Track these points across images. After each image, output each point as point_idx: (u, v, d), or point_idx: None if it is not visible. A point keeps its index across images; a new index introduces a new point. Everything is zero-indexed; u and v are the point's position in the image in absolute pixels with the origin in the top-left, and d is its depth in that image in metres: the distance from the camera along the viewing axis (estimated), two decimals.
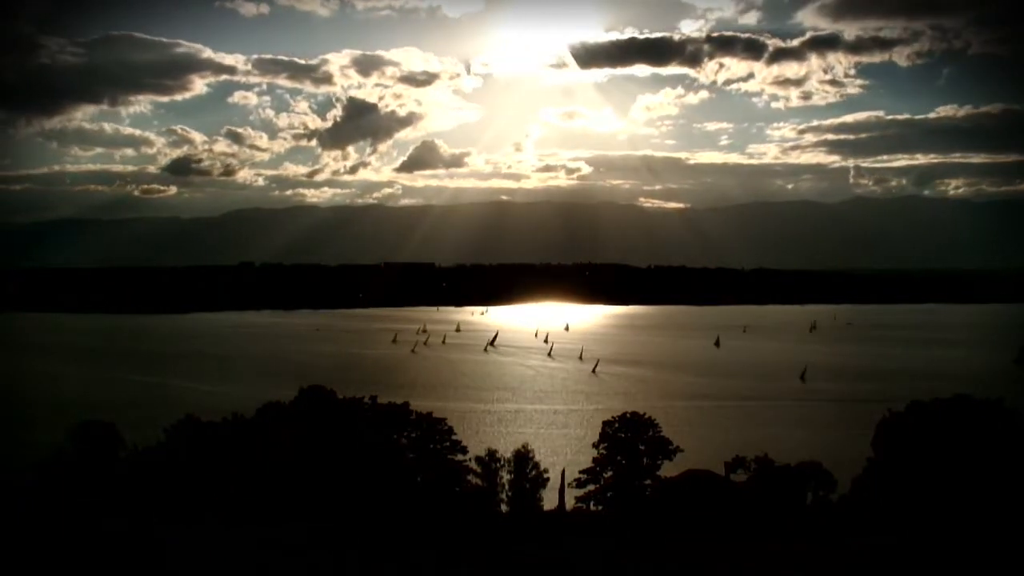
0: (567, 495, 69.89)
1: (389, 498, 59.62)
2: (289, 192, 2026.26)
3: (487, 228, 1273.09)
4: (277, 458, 60.69)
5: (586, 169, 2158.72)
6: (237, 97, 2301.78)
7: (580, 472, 69.27)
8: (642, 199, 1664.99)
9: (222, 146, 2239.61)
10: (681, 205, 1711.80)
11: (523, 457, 68.19)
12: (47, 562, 44.84)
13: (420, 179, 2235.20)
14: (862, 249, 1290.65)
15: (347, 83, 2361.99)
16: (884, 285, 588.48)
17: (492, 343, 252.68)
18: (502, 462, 67.97)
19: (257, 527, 53.06)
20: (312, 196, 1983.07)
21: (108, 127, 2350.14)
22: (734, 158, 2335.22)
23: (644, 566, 46.68)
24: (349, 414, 67.00)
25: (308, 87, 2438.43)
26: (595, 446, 70.13)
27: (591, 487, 67.74)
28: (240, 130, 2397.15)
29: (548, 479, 69.02)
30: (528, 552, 50.85)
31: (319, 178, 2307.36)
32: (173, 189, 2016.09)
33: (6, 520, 53.83)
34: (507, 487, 67.21)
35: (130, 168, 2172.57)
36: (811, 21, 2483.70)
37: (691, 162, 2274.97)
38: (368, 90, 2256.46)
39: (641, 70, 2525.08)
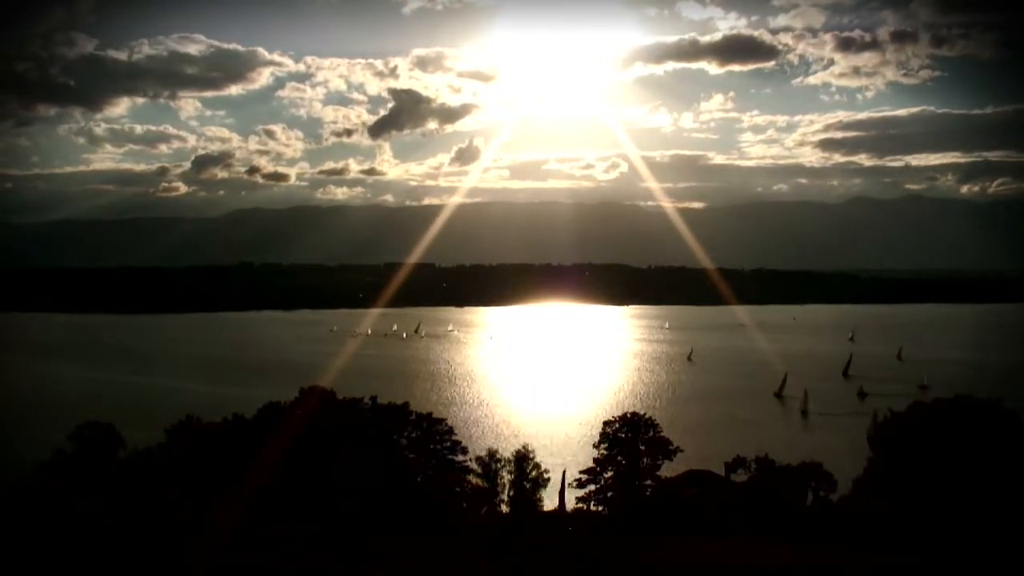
0: (567, 495, 69.85)
1: (389, 498, 59.60)
2: (319, 192, 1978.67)
3: (490, 229, 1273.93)
4: (277, 458, 60.69)
5: (623, 167, 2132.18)
6: (289, 90, 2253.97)
7: (580, 472, 69.27)
8: (660, 200, 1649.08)
9: (254, 144, 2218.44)
10: (699, 204, 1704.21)
11: (523, 457, 68.17)
12: (47, 562, 44.84)
13: (443, 179, 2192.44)
14: (861, 249, 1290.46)
15: (409, 76, 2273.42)
16: (883, 285, 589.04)
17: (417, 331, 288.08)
18: (502, 462, 67.95)
19: (257, 527, 53.02)
20: (342, 194, 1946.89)
21: (140, 127, 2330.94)
22: (773, 150, 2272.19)
23: (644, 566, 46.68)
24: (349, 414, 66.98)
25: (368, 82, 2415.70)
26: (595, 446, 70.15)
27: (591, 487, 67.73)
28: (276, 127, 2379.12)
29: (548, 479, 69.00)
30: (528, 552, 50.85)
31: (348, 176, 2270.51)
32: (187, 188, 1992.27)
33: (6, 520, 53.83)
34: (507, 487, 67.18)
35: (141, 167, 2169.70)
36: (926, 15, 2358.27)
37: (718, 162, 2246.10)
38: (426, 85, 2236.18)
39: (712, 67, 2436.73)
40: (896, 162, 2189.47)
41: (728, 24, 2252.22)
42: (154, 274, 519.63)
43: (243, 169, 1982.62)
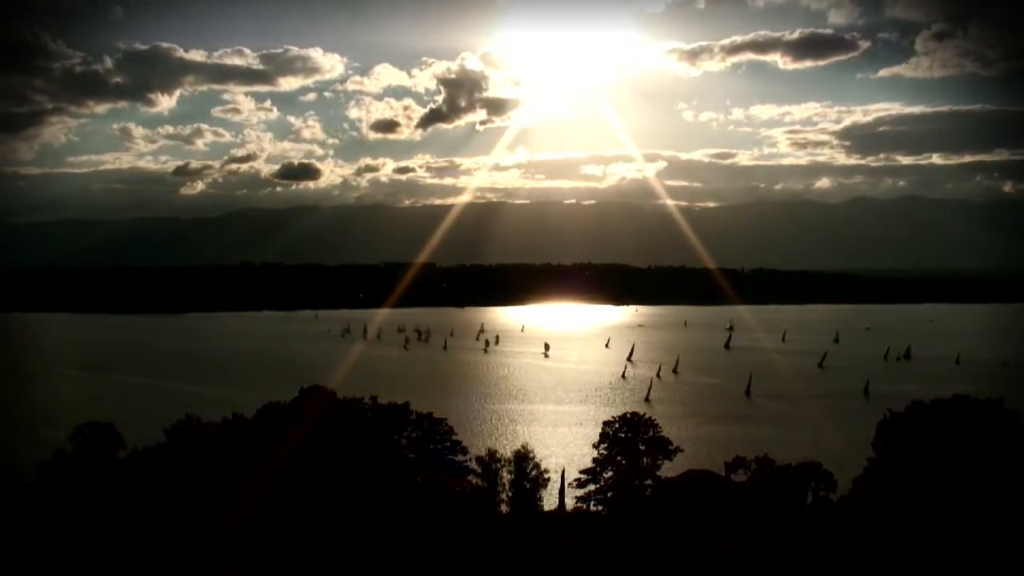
0: (567, 495, 69.89)
1: (389, 498, 59.57)
2: (346, 191, 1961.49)
3: (489, 230, 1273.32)
4: (277, 458, 60.64)
5: (658, 166, 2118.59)
6: (351, 84, 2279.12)
7: (580, 472, 69.28)
8: (674, 199, 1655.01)
9: (288, 143, 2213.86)
10: (713, 204, 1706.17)
11: (523, 457, 68.19)
12: (47, 562, 44.85)
13: (463, 178, 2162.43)
14: (862, 249, 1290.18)
15: (470, 69, 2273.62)
16: (883, 286, 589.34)
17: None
18: (502, 462, 67.96)
19: (257, 527, 53.01)
20: (369, 193, 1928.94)
21: (181, 124, 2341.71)
22: (810, 148, 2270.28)
23: (644, 566, 46.69)
24: (349, 414, 66.97)
25: (422, 76, 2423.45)
26: (595, 446, 70.17)
27: (591, 487, 67.74)
28: (315, 124, 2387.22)
29: (548, 479, 69.02)
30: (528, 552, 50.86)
31: (380, 174, 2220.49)
32: (204, 187, 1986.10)
33: (6, 520, 53.83)
34: (507, 487, 67.19)
35: (155, 166, 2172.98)
36: None
37: (750, 161, 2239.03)
38: (486, 77, 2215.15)
39: (782, 62, 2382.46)
40: (934, 160, 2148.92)
41: (844, 13, 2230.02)
42: (154, 274, 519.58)
43: (274, 167, 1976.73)
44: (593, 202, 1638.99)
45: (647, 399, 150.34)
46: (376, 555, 49.05)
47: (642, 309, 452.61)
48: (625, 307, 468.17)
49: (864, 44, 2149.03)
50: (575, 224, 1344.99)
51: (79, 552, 46.72)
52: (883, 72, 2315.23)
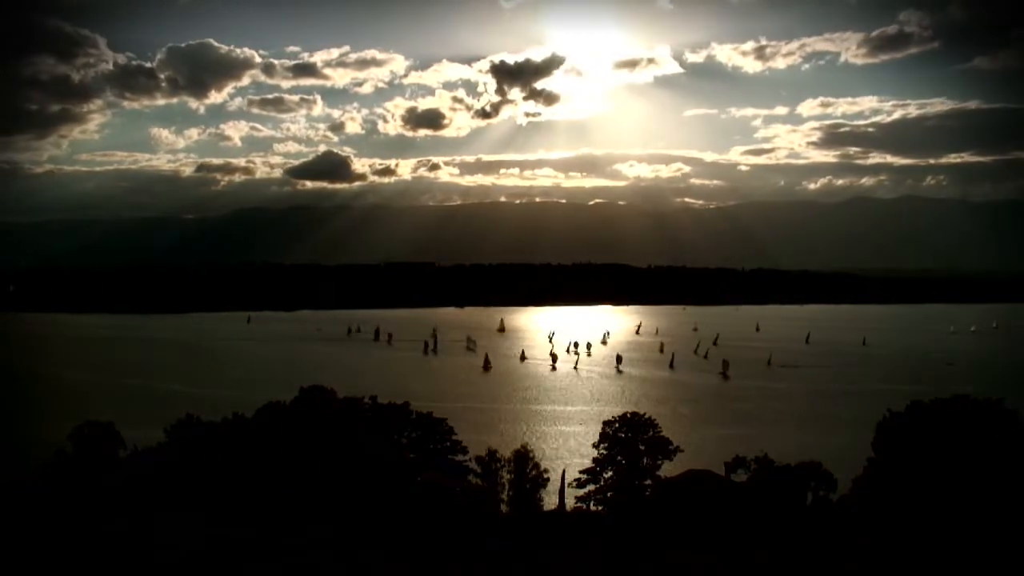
0: (567, 495, 69.92)
1: (389, 498, 59.57)
2: (369, 190, 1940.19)
3: (488, 230, 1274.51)
4: (277, 458, 60.64)
5: (690, 165, 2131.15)
6: (406, 80, 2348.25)
7: (580, 472, 69.33)
8: (699, 199, 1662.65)
9: (326, 145, 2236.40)
10: (733, 203, 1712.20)
11: (523, 457, 68.21)
12: (47, 562, 44.85)
13: (490, 176, 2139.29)
14: (863, 249, 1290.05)
15: (530, 63, 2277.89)
16: (883, 285, 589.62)
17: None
18: (502, 462, 67.97)
19: (257, 527, 53.00)
20: (395, 192, 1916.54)
21: (208, 126, 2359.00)
22: (854, 135, 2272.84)
23: (644, 566, 46.68)
24: (349, 414, 67.01)
25: (479, 76, 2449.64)
26: (595, 446, 70.22)
27: (591, 487, 67.78)
28: (357, 117, 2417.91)
29: (548, 479, 69.05)
30: (529, 552, 50.83)
31: (408, 172, 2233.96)
32: (225, 185, 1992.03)
33: (6, 520, 53.84)
34: (507, 487, 67.21)
35: (170, 165, 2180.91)
36: None
37: (772, 162, 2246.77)
38: (536, 75, 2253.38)
39: (855, 58, 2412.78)
40: (965, 158, 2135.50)
41: (966, 4, 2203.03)
42: (154, 273, 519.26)
43: (303, 163, 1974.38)
44: (602, 201, 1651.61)
45: (575, 367, 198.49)
46: (376, 555, 49.04)
47: (644, 309, 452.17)
48: (623, 307, 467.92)
49: (940, 39, 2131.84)
50: (582, 224, 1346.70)
51: (79, 552, 46.72)
52: (957, 66, 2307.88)
